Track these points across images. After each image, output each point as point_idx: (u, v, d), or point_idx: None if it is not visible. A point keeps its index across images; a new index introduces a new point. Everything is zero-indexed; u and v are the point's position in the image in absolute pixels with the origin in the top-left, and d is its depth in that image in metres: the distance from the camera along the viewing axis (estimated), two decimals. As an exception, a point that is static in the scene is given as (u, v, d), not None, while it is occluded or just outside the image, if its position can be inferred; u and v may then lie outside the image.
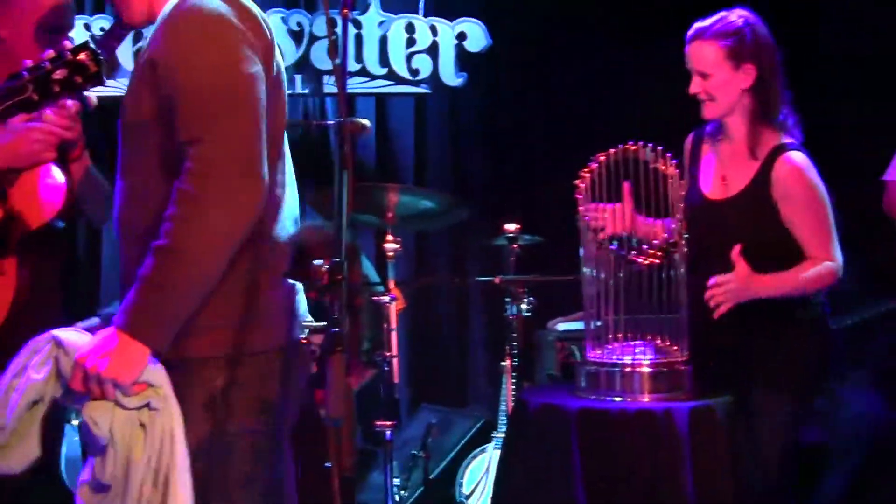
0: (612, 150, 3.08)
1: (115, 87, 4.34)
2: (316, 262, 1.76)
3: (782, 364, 3.16)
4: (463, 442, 4.69)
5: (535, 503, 2.93)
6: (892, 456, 4.33)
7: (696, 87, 3.18)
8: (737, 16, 3.17)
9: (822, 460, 4.75)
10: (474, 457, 4.54)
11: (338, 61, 1.92)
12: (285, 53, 5.34)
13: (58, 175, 2.69)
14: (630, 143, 3.11)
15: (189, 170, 2.03)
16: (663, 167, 3.08)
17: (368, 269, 4.36)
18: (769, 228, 3.14)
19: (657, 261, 2.99)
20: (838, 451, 4.67)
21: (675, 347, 3.04)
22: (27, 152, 2.56)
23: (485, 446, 4.48)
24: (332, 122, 4.13)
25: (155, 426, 2.03)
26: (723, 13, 3.18)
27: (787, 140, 3.17)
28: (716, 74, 3.13)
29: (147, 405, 2.03)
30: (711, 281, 3.02)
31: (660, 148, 3.10)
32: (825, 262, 3.11)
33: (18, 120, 2.45)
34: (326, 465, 1.69)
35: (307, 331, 2.15)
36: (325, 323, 1.76)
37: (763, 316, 3.11)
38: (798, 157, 3.12)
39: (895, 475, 4.13)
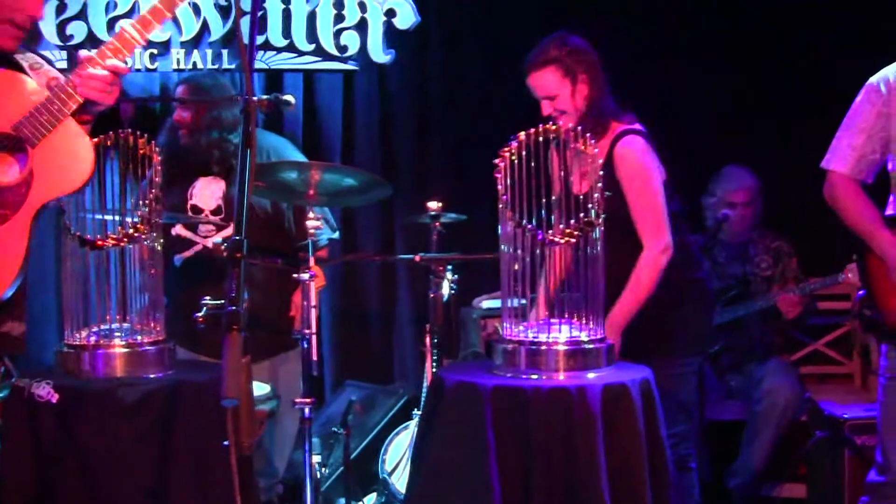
0: (532, 130, 3.08)
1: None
2: (216, 240, 1.75)
3: (668, 331, 3.50)
4: (386, 419, 4.71)
5: (450, 482, 2.92)
6: (803, 428, 4.44)
7: (547, 109, 3.50)
8: (556, 38, 3.52)
9: (741, 434, 4.85)
10: (397, 433, 4.54)
11: (246, 40, 1.90)
12: (213, 28, 5.29)
13: (86, 150, 2.66)
14: (550, 122, 3.13)
15: None
16: (582, 147, 3.10)
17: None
18: (619, 203, 3.38)
19: (573, 240, 3.01)
20: (755, 425, 4.77)
21: (592, 325, 3.07)
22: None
23: (407, 423, 4.49)
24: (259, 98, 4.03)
25: None
26: (544, 41, 3.53)
27: (626, 126, 3.50)
28: (560, 94, 3.48)
29: None
30: None
31: (579, 128, 3.12)
32: (648, 253, 3.39)
33: None
34: (225, 443, 1.69)
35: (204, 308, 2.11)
36: (224, 301, 1.75)
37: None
38: (633, 139, 3.47)
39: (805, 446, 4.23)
